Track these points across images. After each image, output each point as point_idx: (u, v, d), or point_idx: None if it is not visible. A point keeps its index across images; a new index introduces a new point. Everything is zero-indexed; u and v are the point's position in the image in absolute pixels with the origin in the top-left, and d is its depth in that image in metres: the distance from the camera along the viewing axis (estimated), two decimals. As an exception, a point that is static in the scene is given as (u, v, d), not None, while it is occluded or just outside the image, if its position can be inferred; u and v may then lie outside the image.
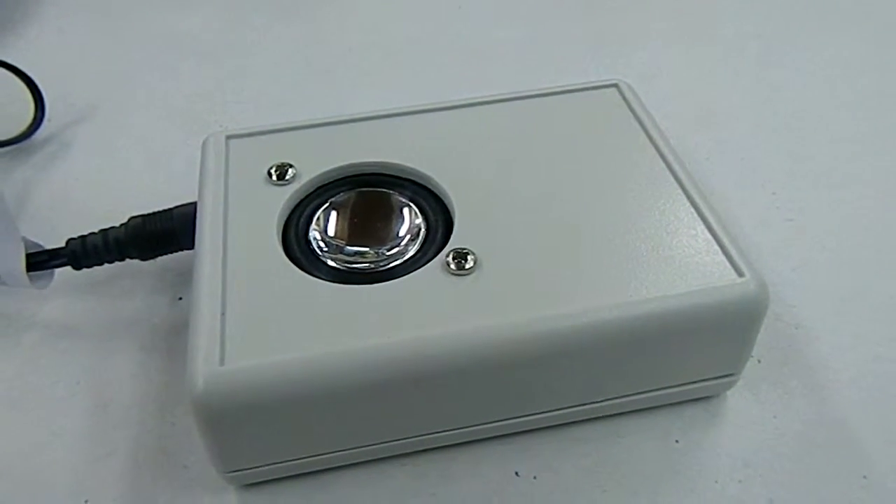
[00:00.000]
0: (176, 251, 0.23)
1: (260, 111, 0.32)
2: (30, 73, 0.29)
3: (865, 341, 0.22)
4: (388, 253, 0.20)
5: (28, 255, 0.22)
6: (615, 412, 0.20)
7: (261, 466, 0.19)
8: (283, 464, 0.19)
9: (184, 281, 0.24)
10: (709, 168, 0.28)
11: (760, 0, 0.37)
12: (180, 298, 0.24)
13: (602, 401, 0.20)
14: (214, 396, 0.17)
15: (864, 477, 0.19)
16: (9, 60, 0.29)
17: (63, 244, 0.23)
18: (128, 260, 0.23)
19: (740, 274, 0.19)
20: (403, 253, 0.20)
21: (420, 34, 0.36)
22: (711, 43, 0.35)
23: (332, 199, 0.21)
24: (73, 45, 0.36)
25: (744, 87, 0.32)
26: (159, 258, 0.23)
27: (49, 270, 0.23)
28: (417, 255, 0.20)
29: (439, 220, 0.21)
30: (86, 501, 0.19)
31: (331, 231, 0.21)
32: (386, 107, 0.24)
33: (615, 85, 0.24)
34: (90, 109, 0.32)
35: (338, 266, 0.20)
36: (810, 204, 0.27)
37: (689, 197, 0.21)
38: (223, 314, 0.18)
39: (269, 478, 0.19)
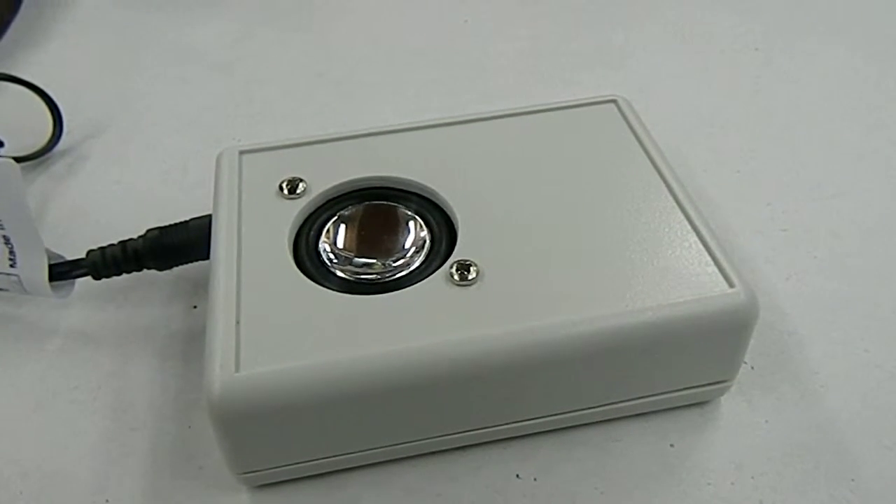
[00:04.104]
0: (191, 262, 0.24)
1: (270, 123, 0.32)
2: (48, 88, 0.30)
3: (855, 348, 0.23)
4: (394, 264, 0.21)
5: (50, 266, 0.23)
6: (613, 417, 0.21)
7: (273, 468, 0.19)
8: (295, 465, 0.19)
9: (198, 290, 0.25)
10: (705, 180, 0.29)
11: (757, 13, 0.38)
12: (195, 307, 0.25)
13: (600, 406, 0.21)
14: (230, 401, 0.18)
15: (853, 480, 0.20)
16: (28, 76, 0.30)
17: (83, 255, 0.24)
18: (145, 270, 0.24)
19: (731, 285, 0.20)
20: (409, 264, 0.21)
21: (427, 47, 0.37)
22: (708, 56, 0.36)
23: (341, 213, 0.22)
24: (89, 60, 0.37)
25: (740, 100, 0.33)
26: (175, 268, 0.24)
27: (70, 280, 0.24)
28: (422, 267, 0.21)
29: (443, 232, 0.22)
30: (106, 501, 0.20)
31: (340, 243, 0.21)
32: (393, 118, 0.25)
33: (613, 101, 0.25)
34: (106, 123, 0.33)
35: (346, 277, 0.21)
36: (804, 214, 0.27)
37: (683, 210, 0.22)
38: (238, 323, 0.19)
39: (282, 479, 0.20)
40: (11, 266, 0.23)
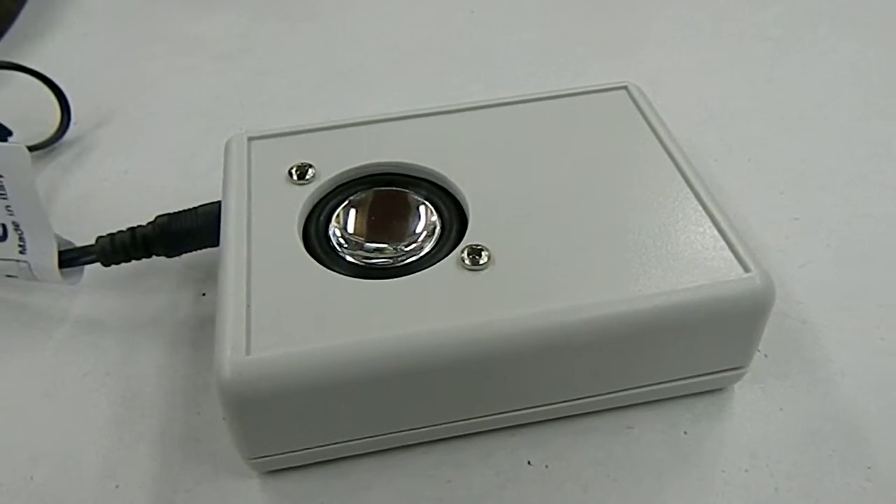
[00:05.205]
0: (200, 248, 0.24)
1: (278, 113, 0.32)
2: (56, 78, 0.30)
3: (869, 336, 0.23)
4: (405, 249, 0.21)
5: (60, 252, 0.23)
6: (625, 404, 0.21)
7: (284, 453, 0.19)
8: (306, 451, 0.19)
9: (207, 277, 0.25)
10: (717, 168, 0.29)
11: (769, 2, 0.38)
12: (204, 294, 0.25)
13: (612, 392, 0.20)
14: (241, 384, 0.17)
15: (869, 468, 0.20)
16: (37, 65, 0.30)
17: (92, 242, 0.23)
18: (154, 257, 0.24)
19: (746, 269, 0.19)
20: (420, 249, 0.21)
21: (434, 38, 0.36)
22: (720, 44, 0.35)
23: (351, 198, 0.22)
24: (97, 49, 0.37)
25: (752, 88, 0.33)
26: (184, 255, 0.24)
27: (80, 267, 0.24)
28: (433, 252, 0.21)
29: (454, 217, 0.22)
30: (116, 486, 0.20)
31: (350, 228, 0.21)
32: (401, 108, 0.25)
33: (625, 87, 0.25)
34: (115, 112, 0.32)
35: (356, 262, 0.21)
36: (816, 203, 0.27)
37: (696, 195, 0.21)
38: (249, 306, 0.19)
39: (292, 464, 0.20)
40: (21, 252, 0.23)
